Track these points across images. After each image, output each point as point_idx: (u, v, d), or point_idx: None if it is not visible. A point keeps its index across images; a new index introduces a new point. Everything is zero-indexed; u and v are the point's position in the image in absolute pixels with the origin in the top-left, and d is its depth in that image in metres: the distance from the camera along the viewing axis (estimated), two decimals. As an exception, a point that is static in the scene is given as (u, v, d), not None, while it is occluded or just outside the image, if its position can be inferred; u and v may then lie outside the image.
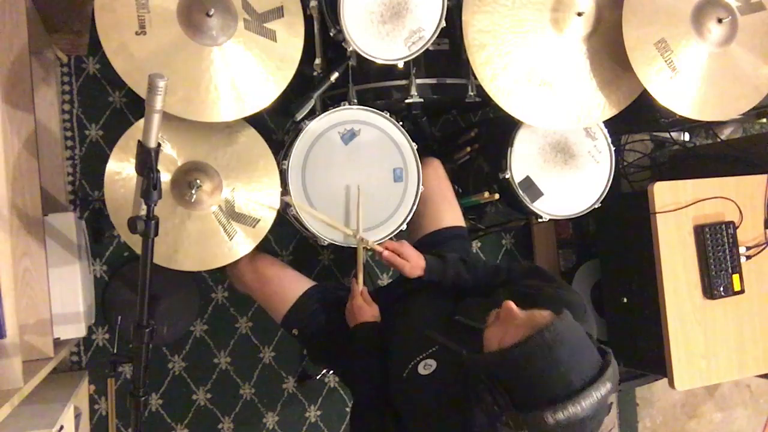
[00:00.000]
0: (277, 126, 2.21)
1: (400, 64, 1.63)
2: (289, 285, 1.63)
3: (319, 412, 2.34)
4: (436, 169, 1.76)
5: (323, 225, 1.59)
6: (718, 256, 1.93)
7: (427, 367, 1.21)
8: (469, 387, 1.08)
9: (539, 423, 0.94)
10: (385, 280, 2.37)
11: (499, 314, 1.08)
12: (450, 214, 1.72)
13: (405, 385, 1.23)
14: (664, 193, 1.92)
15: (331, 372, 2.24)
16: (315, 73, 1.71)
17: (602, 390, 0.95)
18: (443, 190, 1.75)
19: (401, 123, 1.64)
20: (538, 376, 0.95)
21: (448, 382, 1.17)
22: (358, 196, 1.59)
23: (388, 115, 1.63)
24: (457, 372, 1.14)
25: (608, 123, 1.78)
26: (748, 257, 1.99)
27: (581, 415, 0.93)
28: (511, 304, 1.07)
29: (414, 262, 1.48)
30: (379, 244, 1.55)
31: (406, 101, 1.71)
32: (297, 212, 1.57)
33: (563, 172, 1.79)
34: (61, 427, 1.53)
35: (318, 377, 2.29)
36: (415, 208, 1.64)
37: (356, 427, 1.36)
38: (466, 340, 1.18)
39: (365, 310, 1.49)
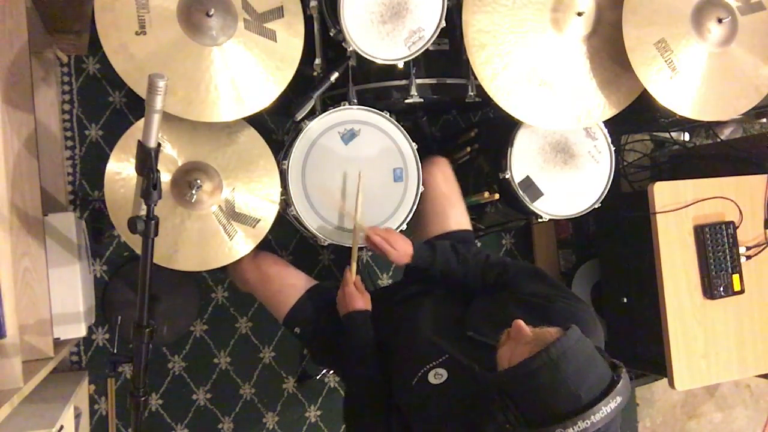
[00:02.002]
0: (277, 126, 2.21)
1: (400, 64, 1.63)
2: (292, 284, 1.62)
3: (319, 412, 2.34)
4: (444, 169, 1.74)
5: (322, 223, 1.59)
6: (718, 256, 1.92)
7: (437, 376, 1.20)
8: (481, 403, 1.08)
9: None
10: (385, 279, 2.38)
11: (509, 333, 1.08)
12: (456, 217, 1.70)
13: (415, 392, 1.22)
14: (664, 193, 1.92)
15: (332, 372, 2.24)
16: (315, 73, 1.71)
17: (612, 405, 0.95)
18: (450, 191, 1.73)
19: (401, 123, 1.64)
20: (546, 393, 0.95)
21: (459, 394, 1.16)
22: (359, 181, 1.59)
23: (388, 115, 1.63)
24: (468, 385, 1.14)
25: (608, 123, 1.78)
26: (748, 257, 1.99)
27: (591, 430, 0.93)
28: (521, 323, 1.06)
29: (401, 249, 1.49)
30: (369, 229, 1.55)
31: (406, 101, 1.71)
32: (297, 212, 1.57)
33: (563, 172, 1.79)
34: (61, 427, 1.53)
35: (318, 377, 2.29)
36: (415, 208, 1.64)
37: (351, 421, 1.36)
38: (477, 354, 1.18)
39: (356, 298, 1.48)
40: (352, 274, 1.53)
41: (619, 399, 0.96)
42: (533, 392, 0.96)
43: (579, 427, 0.93)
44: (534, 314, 1.13)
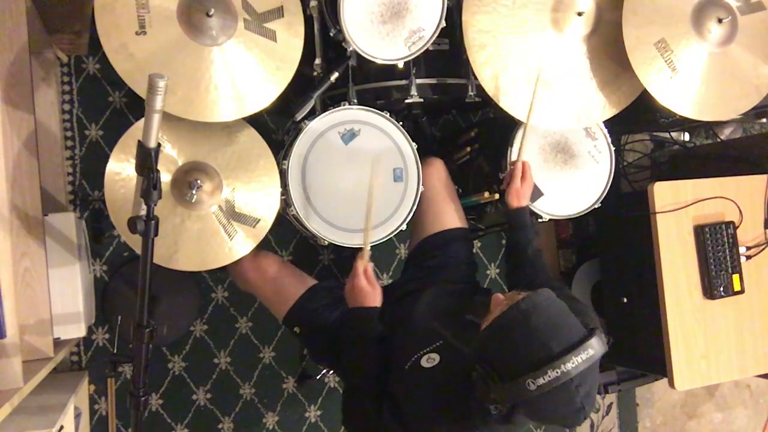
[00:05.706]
0: (277, 126, 2.21)
1: (400, 64, 1.63)
2: (292, 283, 1.62)
3: (319, 412, 2.34)
4: (439, 169, 1.75)
5: (322, 223, 1.59)
6: (718, 256, 1.92)
7: (430, 360, 1.22)
8: (469, 384, 1.09)
9: (522, 391, 0.97)
10: (385, 279, 2.38)
11: (490, 308, 1.12)
12: (452, 216, 1.70)
13: (406, 376, 1.24)
14: (664, 193, 1.92)
15: (331, 372, 2.24)
16: (315, 73, 1.71)
17: (583, 355, 0.97)
18: (446, 190, 1.73)
19: (401, 123, 1.64)
20: (517, 344, 0.99)
21: (449, 377, 1.18)
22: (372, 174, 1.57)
23: (388, 115, 1.63)
24: (459, 368, 1.15)
25: (608, 123, 1.78)
26: (748, 257, 1.99)
27: (563, 380, 0.95)
28: (498, 295, 1.12)
29: (523, 193, 1.61)
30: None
31: (406, 101, 1.71)
32: (297, 212, 1.57)
33: (563, 172, 1.79)
34: (61, 427, 1.53)
35: (318, 377, 2.29)
36: (415, 208, 1.64)
37: (349, 414, 1.34)
38: (471, 337, 1.18)
39: (367, 293, 1.38)
40: (364, 261, 1.40)
41: (591, 351, 0.98)
42: (506, 346, 1.00)
43: (549, 376, 0.95)
44: None
